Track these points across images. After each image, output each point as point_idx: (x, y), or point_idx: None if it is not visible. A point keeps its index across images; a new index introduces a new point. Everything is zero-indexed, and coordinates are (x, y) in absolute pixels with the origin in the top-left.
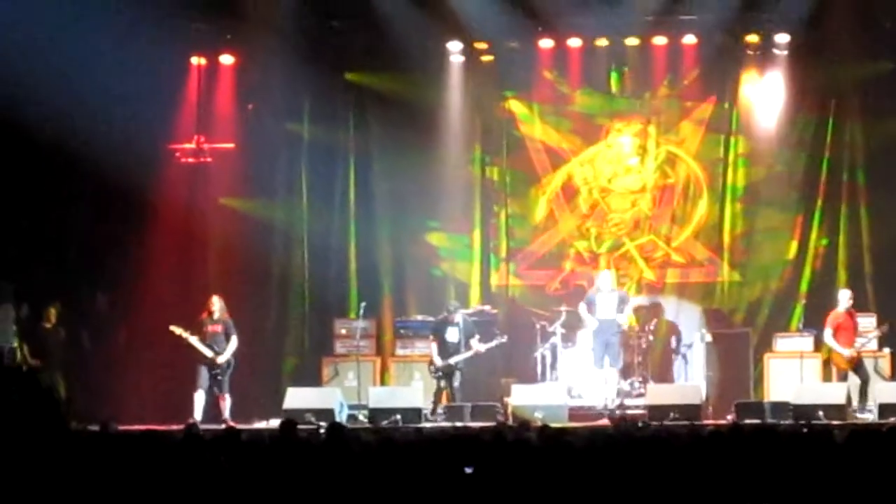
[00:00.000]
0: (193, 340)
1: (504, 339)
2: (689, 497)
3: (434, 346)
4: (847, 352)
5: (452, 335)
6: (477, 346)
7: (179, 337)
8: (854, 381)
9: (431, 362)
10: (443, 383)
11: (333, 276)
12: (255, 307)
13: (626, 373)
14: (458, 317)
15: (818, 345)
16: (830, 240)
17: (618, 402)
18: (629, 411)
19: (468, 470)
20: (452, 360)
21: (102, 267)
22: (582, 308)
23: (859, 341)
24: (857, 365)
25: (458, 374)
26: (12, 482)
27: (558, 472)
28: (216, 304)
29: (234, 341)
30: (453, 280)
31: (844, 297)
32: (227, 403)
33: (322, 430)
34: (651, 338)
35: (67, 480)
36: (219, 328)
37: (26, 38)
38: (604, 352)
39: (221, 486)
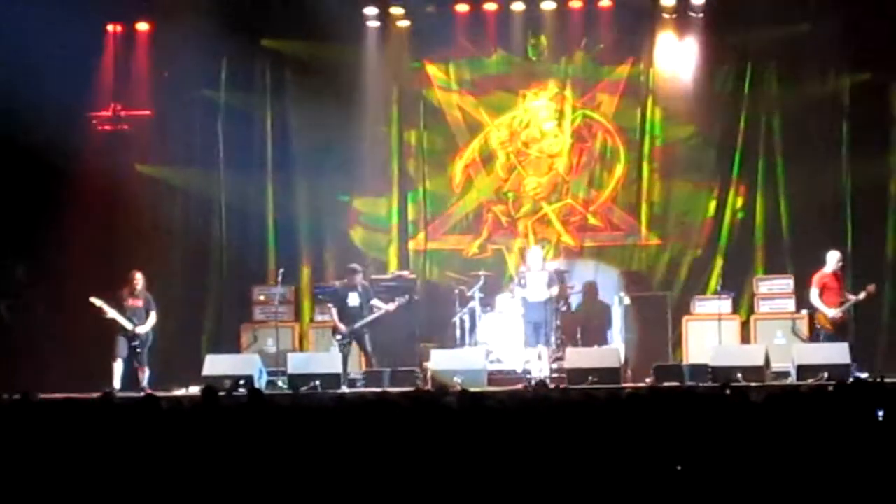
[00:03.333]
0: (113, 313)
1: (405, 299)
2: (607, 459)
3: (335, 312)
4: (832, 311)
5: (353, 300)
6: (381, 305)
7: (100, 309)
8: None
9: (335, 329)
10: (348, 350)
11: (251, 242)
12: (173, 274)
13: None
14: (359, 279)
15: (736, 307)
16: (747, 202)
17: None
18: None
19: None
20: (357, 325)
21: (20, 236)
22: (517, 291)
23: (848, 302)
24: (841, 326)
25: (366, 338)
26: None
27: (477, 436)
28: (138, 279)
29: (153, 316)
30: (371, 245)
31: (833, 259)
32: (145, 374)
33: (240, 389)
34: (570, 301)
35: None
36: (139, 303)
37: None
38: (535, 331)
39: (139, 453)
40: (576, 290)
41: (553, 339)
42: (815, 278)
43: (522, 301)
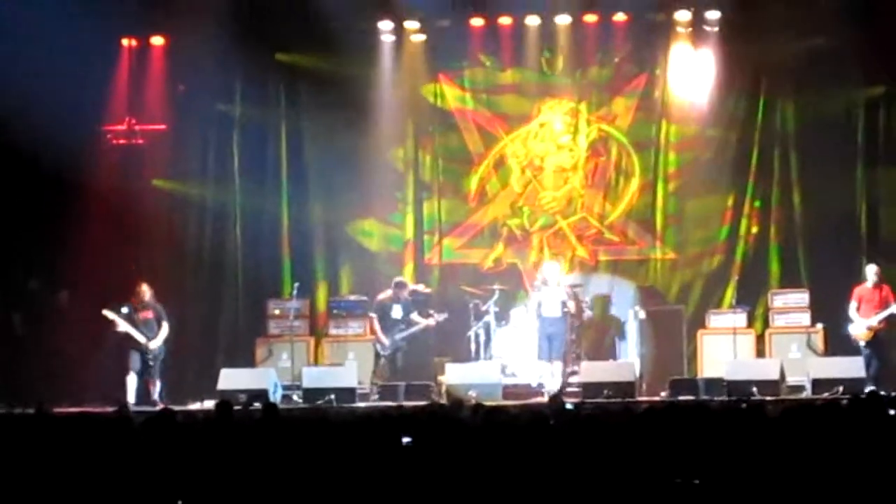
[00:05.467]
0: (125, 326)
1: (444, 316)
2: (621, 474)
3: (377, 324)
4: (861, 322)
5: (397, 312)
6: (422, 320)
7: (112, 322)
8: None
9: (378, 341)
10: (382, 361)
11: (266, 256)
12: (188, 288)
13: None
14: (405, 293)
15: (751, 321)
16: (762, 216)
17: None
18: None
19: (405, 440)
20: (399, 337)
21: (35, 250)
22: (533, 306)
23: (878, 316)
24: (874, 340)
25: (400, 354)
26: None
27: (491, 450)
28: (144, 291)
29: (165, 327)
30: (386, 259)
31: (871, 272)
32: (156, 388)
33: (255, 406)
34: (585, 316)
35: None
36: (150, 314)
37: None
38: (549, 345)
39: (155, 467)
40: (589, 304)
41: (567, 353)
42: (854, 292)
43: (537, 315)
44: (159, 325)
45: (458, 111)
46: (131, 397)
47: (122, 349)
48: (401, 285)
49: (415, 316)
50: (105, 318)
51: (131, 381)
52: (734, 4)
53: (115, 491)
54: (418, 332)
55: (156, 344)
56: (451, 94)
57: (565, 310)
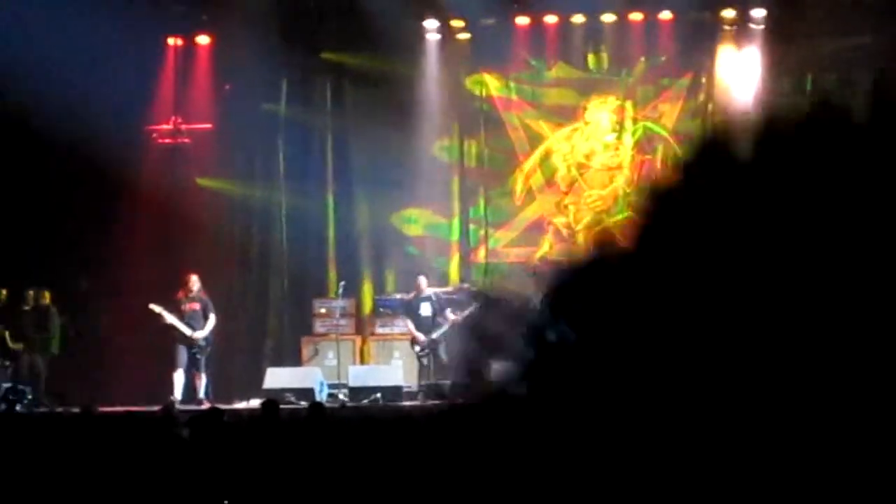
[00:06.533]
0: (172, 318)
1: (472, 309)
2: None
3: (410, 324)
4: None
5: (425, 310)
6: (452, 316)
7: (159, 315)
8: None
9: (414, 340)
10: (425, 361)
11: (312, 255)
12: (233, 287)
13: None
14: (428, 291)
15: None
16: None
17: None
18: None
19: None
20: (434, 335)
21: (82, 249)
22: None
23: None
24: None
25: (442, 349)
26: None
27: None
28: (193, 282)
29: (212, 319)
30: (432, 258)
31: None
32: (202, 382)
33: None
34: None
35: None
36: (196, 306)
37: None
38: None
39: (202, 466)
40: None
41: None
42: None
43: None
44: (205, 318)
45: (503, 108)
46: (178, 394)
47: (169, 346)
48: (420, 284)
49: (447, 313)
50: (152, 312)
51: (178, 377)
52: (780, 2)
53: (162, 490)
54: (452, 330)
55: (202, 334)
56: (496, 93)
57: None
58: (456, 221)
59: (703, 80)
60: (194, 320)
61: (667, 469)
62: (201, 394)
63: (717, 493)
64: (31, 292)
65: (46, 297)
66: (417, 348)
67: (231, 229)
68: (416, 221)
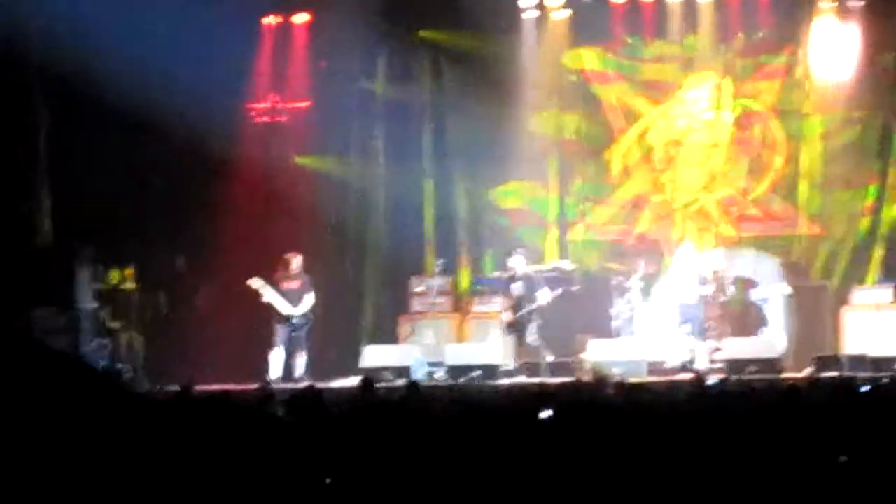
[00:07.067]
0: (271, 294)
1: (560, 291)
2: (767, 453)
3: (503, 302)
4: None
5: (517, 289)
6: (541, 298)
7: (257, 292)
8: None
9: (507, 320)
10: (515, 338)
11: (410, 233)
12: (331, 266)
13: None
14: (524, 269)
15: None
16: None
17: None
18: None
19: (546, 414)
20: (519, 314)
21: (180, 228)
22: (672, 290)
23: None
24: None
25: (532, 328)
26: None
27: (636, 428)
28: (294, 260)
29: (311, 297)
30: (530, 236)
31: None
32: (302, 360)
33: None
34: (730, 291)
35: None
36: (295, 284)
37: (97, 4)
38: (690, 328)
39: (300, 447)
40: (732, 281)
41: (709, 331)
42: None
43: (676, 301)
44: (304, 297)
45: (599, 87)
46: (276, 373)
47: (267, 325)
48: (512, 263)
49: (539, 293)
50: (250, 288)
51: (276, 356)
52: None
53: (260, 469)
54: (542, 310)
55: (300, 311)
56: (593, 70)
57: (703, 294)
58: (553, 200)
59: (802, 56)
60: (293, 298)
61: None
62: (299, 372)
63: None
64: (130, 271)
65: (128, 276)
66: (504, 325)
67: (328, 207)
68: (514, 194)
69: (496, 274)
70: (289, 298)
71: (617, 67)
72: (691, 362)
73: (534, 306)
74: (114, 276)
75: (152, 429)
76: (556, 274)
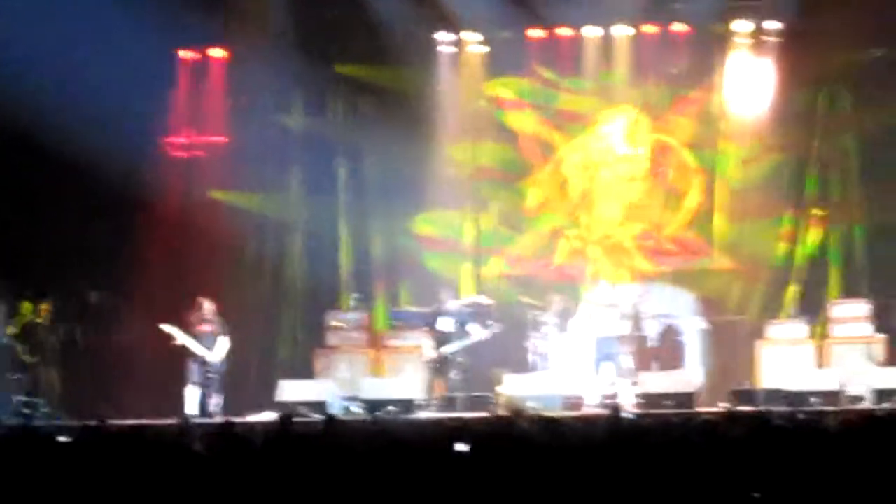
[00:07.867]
0: (184, 339)
1: (499, 328)
2: (680, 487)
3: (424, 337)
4: None
5: (446, 325)
6: (477, 332)
7: (170, 335)
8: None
9: (427, 354)
10: (436, 374)
11: (326, 268)
12: (247, 299)
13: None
14: (451, 306)
15: (812, 331)
16: (823, 226)
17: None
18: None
19: (461, 447)
20: (445, 350)
21: (96, 262)
22: (587, 325)
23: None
24: None
25: (455, 365)
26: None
27: (551, 462)
28: (205, 305)
29: (225, 341)
30: (445, 271)
31: None
32: (218, 400)
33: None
34: (646, 326)
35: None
36: (208, 327)
37: (9, 34)
38: (606, 364)
39: (218, 481)
40: (648, 317)
41: (626, 367)
42: None
43: (593, 336)
44: (218, 340)
45: (515, 121)
46: (192, 409)
47: (181, 361)
48: (443, 298)
49: (470, 327)
50: (163, 331)
51: (191, 392)
52: (794, 15)
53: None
54: (473, 345)
55: (214, 357)
56: (509, 104)
57: (620, 329)
58: (469, 234)
59: (717, 92)
60: (207, 342)
61: None
62: (212, 408)
63: None
64: (46, 305)
65: (43, 311)
66: (427, 360)
67: (245, 241)
68: (430, 223)
69: (415, 309)
70: (202, 342)
71: (532, 98)
72: (610, 397)
73: (468, 342)
74: (27, 309)
75: (61, 466)
76: (473, 309)
